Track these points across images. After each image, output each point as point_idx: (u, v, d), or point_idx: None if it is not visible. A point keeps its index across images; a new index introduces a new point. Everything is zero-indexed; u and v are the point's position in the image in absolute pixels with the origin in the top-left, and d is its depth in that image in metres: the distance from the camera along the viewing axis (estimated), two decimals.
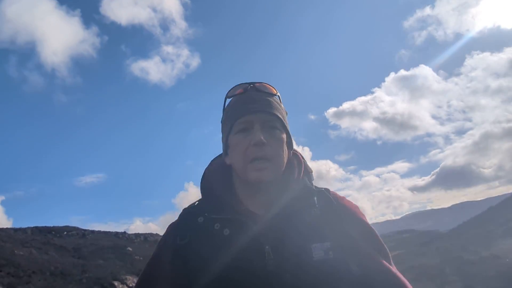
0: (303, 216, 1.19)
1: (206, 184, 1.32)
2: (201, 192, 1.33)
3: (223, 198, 1.25)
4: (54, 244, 42.39)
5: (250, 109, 1.23)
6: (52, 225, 53.90)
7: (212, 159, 1.43)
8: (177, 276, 1.20)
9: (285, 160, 1.26)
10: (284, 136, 1.26)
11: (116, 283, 23.54)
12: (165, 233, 1.32)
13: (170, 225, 1.34)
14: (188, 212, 1.30)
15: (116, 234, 61.04)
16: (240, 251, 1.14)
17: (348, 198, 1.35)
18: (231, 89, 1.33)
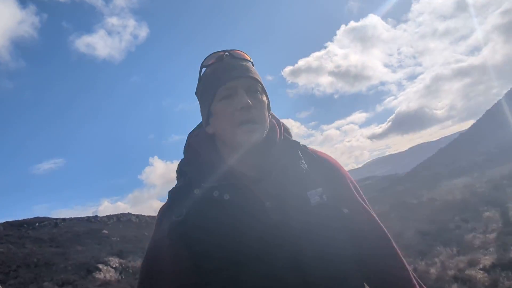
0: (294, 168, 1.23)
1: (193, 155, 1.32)
2: (188, 165, 1.32)
3: (216, 165, 1.24)
4: (29, 237, 42.69)
5: (232, 75, 1.23)
6: (22, 218, 54.04)
7: (189, 132, 1.43)
8: (182, 257, 1.15)
9: (268, 122, 1.28)
10: (265, 99, 1.28)
11: (100, 266, 24.78)
12: (157, 218, 1.28)
13: (161, 208, 1.30)
14: (179, 190, 1.27)
15: (88, 218, 61.50)
16: (244, 212, 1.15)
17: (321, 151, 1.38)
18: (206, 58, 1.32)
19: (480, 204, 12.69)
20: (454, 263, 8.00)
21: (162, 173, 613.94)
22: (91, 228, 49.51)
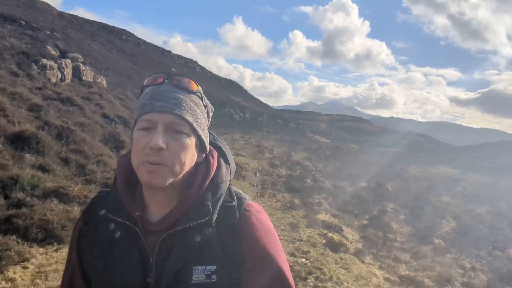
0: (194, 234, 1.10)
1: (115, 175, 1.24)
2: (113, 182, 1.24)
3: (123, 196, 1.16)
4: (116, 45, 49.79)
5: (156, 107, 1.08)
6: (112, 24, 61.64)
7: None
8: (80, 261, 1.19)
9: (188, 166, 1.12)
10: (192, 141, 1.12)
11: None
12: (82, 211, 1.28)
13: (85, 207, 1.28)
14: (98, 198, 1.26)
15: (163, 50, 69.20)
16: (125, 257, 1.11)
17: (262, 212, 1.22)
18: (148, 77, 1.17)
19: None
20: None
21: (239, 35, 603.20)
22: (162, 60, 56.73)
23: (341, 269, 5.59)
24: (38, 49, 17.43)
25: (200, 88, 1.16)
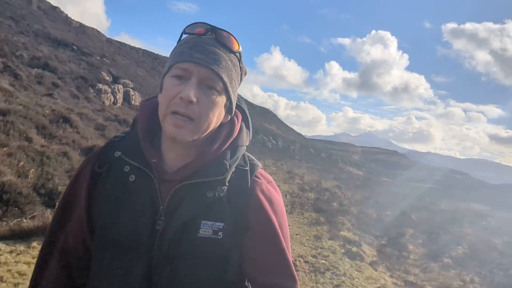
0: (207, 190, 1.09)
1: (135, 119, 1.21)
2: (132, 126, 1.23)
3: (142, 141, 1.13)
4: (159, 72, 52.59)
5: (194, 58, 1.05)
6: (156, 52, 65.07)
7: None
8: (89, 204, 1.15)
9: (214, 124, 1.11)
10: (222, 99, 1.09)
11: None
12: (88, 156, 1.24)
13: (96, 149, 1.26)
14: (113, 142, 1.21)
15: None
16: (137, 201, 1.09)
17: (273, 183, 1.22)
18: (191, 24, 1.13)
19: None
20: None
21: (276, 65, 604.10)
22: None
23: (355, 270, 6.61)
24: (94, 74, 19.43)
25: (240, 49, 1.13)
